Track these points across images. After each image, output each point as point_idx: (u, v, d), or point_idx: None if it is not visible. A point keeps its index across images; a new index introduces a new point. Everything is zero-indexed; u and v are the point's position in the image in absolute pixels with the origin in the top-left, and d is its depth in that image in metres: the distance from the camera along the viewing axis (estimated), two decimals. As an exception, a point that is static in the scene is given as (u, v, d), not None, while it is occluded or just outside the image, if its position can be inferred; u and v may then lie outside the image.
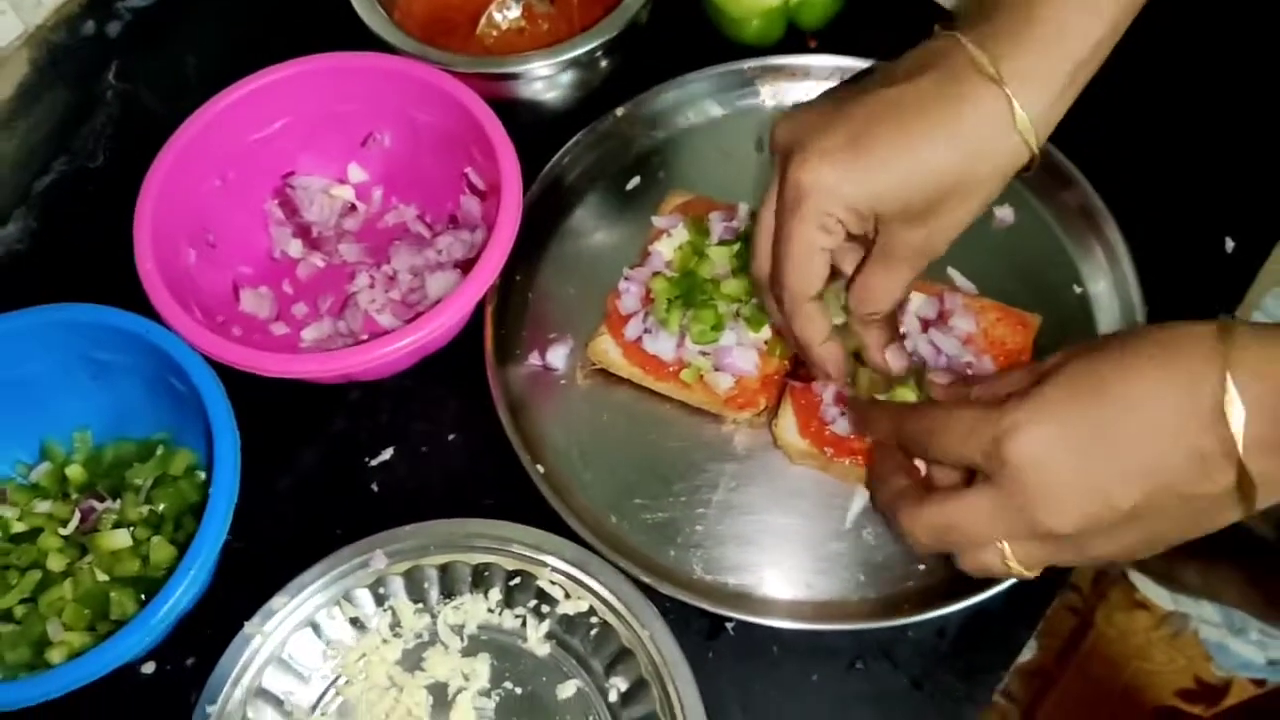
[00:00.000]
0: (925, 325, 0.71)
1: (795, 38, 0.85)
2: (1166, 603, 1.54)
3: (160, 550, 0.67)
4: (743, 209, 0.75)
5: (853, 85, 0.59)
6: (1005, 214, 0.77)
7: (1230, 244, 0.76)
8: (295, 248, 0.79)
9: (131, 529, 0.67)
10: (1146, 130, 0.81)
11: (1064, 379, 0.51)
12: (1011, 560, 0.53)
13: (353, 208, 0.81)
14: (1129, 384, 0.49)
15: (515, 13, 0.84)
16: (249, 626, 0.64)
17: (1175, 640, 1.53)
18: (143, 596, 0.66)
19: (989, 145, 0.55)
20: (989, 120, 0.55)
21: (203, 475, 0.69)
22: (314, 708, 0.65)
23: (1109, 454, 0.49)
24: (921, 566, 0.67)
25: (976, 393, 0.58)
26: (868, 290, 0.60)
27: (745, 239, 0.73)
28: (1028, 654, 1.53)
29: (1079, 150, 0.76)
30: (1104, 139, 0.77)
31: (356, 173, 0.81)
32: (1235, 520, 0.51)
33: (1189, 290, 0.74)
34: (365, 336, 0.75)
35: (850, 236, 0.58)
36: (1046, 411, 0.50)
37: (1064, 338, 0.71)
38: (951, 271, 0.74)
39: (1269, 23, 0.85)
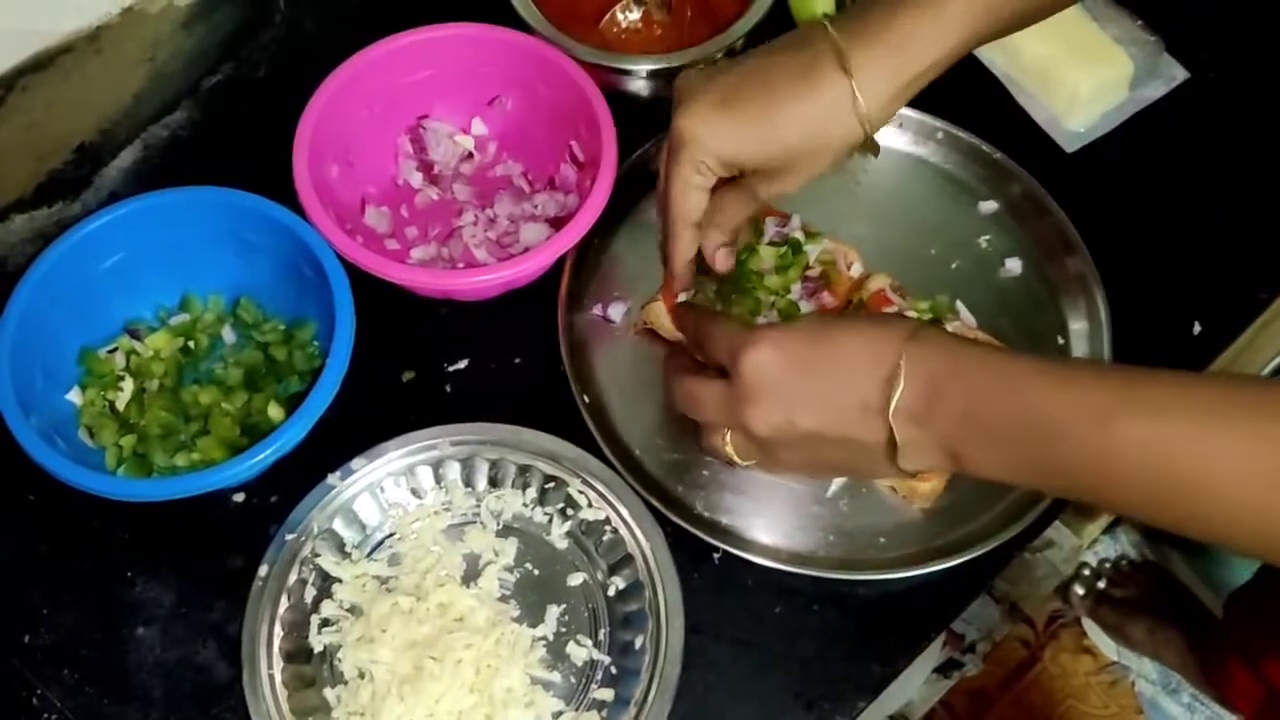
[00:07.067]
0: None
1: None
2: (1112, 653, 1.61)
3: (270, 398, 0.78)
4: (795, 219, 0.83)
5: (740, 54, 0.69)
6: (1014, 265, 0.86)
7: (1198, 327, 0.85)
8: (417, 179, 0.88)
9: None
10: (1148, 222, 0.88)
11: (804, 323, 0.62)
12: (729, 447, 0.64)
13: (470, 155, 0.89)
14: (843, 341, 0.60)
15: (636, 16, 0.94)
16: (331, 478, 0.74)
17: (1112, 688, 1.60)
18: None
19: (831, 123, 0.65)
20: (834, 103, 0.65)
21: (315, 348, 0.80)
22: (369, 554, 0.75)
23: (806, 385, 0.60)
24: (883, 540, 0.76)
25: None
26: (722, 208, 0.71)
27: (792, 243, 0.82)
28: (973, 670, 1.62)
29: (1089, 226, 0.85)
30: (1112, 222, 0.86)
31: (479, 126, 0.89)
32: (891, 476, 0.62)
33: (1155, 363, 0.83)
34: (462, 265, 0.85)
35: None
36: (780, 340, 0.60)
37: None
38: (959, 305, 0.83)
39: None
